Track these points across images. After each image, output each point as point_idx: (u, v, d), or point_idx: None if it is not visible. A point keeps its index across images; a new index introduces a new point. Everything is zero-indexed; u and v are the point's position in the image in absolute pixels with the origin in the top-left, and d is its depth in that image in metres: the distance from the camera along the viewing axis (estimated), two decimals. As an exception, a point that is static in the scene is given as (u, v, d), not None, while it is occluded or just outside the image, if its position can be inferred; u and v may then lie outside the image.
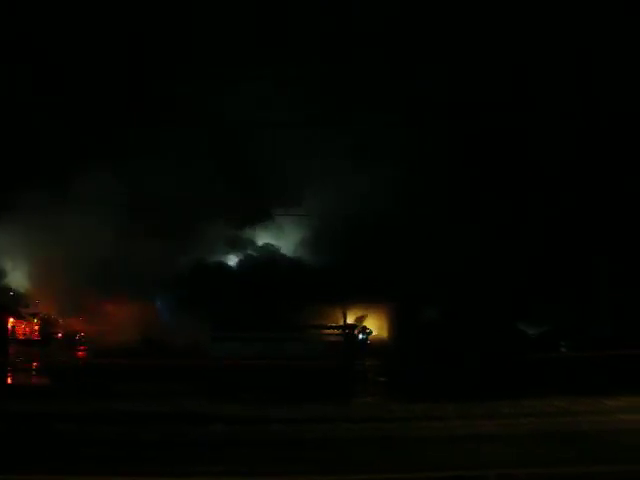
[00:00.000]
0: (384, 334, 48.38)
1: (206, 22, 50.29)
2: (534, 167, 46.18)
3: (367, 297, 47.20)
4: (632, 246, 43.16)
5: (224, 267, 48.84)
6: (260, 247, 53.18)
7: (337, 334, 47.00)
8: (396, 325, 47.36)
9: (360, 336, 47.59)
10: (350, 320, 48.53)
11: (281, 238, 53.43)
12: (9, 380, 31.64)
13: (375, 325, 49.05)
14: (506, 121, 45.38)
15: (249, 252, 52.30)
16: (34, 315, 48.03)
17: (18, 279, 48.87)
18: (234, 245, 51.81)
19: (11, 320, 46.60)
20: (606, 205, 44.31)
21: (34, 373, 35.29)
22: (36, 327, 48.79)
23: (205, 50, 49.11)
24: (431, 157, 46.07)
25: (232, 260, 50.66)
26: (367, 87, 48.86)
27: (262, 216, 52.46)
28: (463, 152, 46.21)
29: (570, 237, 44.93)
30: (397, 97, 47.72)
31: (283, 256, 52.65)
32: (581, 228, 44.81)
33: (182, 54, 49.02)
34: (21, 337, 47.16)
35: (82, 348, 45.16)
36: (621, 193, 44.19)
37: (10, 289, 46.69)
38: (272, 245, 53.64)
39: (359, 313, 49.01)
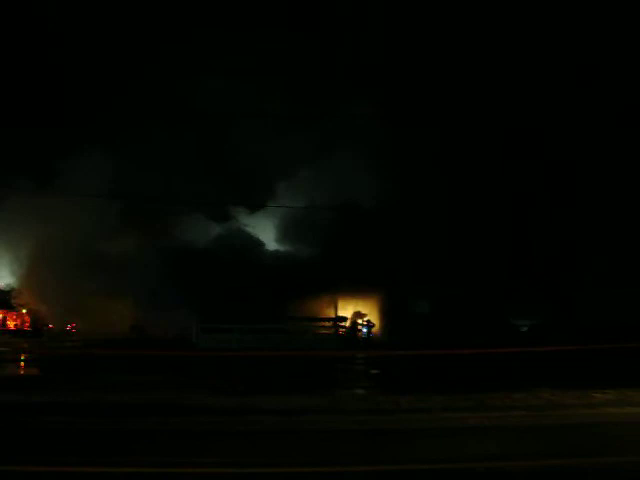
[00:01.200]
0: (376, 326, 48.47)
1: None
2: (529, 161, 46.33)
3: (358, 288, 47.28)
4: (618, 240, 43.39)
5: (211, 256, 48.78)
6: (246, 236, 53.26)
7: (328, 326, 47.22)
8: (387, 317, 47.43)
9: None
10: (346, 313, 48.67)
11: (267, 229, 53.47)
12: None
13: (367, 317, 49.13)
14: (507, 118, 45.57)
15: (235, 242, 52.35)
16: (23, 306, 48.05)
17: (5, 273, 48.85)
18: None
19: (1, 311, 46.58)
20: (594, 200, 44.50)
21: (24, 364, 35.10)
22: (27, 318, 48.78)
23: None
24: (421, 149, 46.19)
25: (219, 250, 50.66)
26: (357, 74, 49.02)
27: (248, 206, 52.53)
28: (460, 143, 46.35)
29: (558, 230, 45.09)
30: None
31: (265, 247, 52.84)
32: (568, 223, 44.97)
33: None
34: (12, 328, 47.18)
35: (72, 339, 45.15)
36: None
37: None
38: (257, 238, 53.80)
39: (350, 304, 49.07)
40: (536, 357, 27.06)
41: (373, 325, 47.92)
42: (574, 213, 45.19)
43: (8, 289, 48.58)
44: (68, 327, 48.35)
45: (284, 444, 14.31)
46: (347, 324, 48.26)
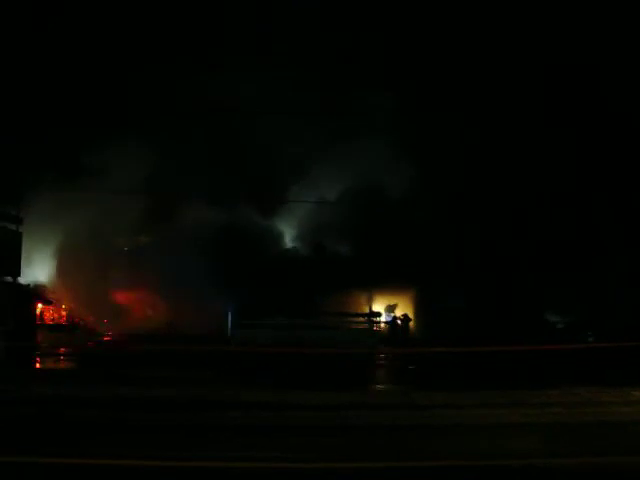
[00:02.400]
0: (412, 323, 48.32)
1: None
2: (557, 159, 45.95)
3: (393, 283, 47.14)
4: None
5: (248, 253, 48.84)
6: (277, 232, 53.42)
7: (362, 321, 47.17)
8: (422, 312, 47.24)
9: (399, 323, 47.66)
10: (380, 308, 48.61)
11: (298, 225, 53.46)
12: (37, 365, 31.89)
13: (402, 311, 49.01)
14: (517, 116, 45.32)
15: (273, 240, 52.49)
16: (60, 301, 48.57)
17: (41, 268, 49.40)
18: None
19: (39, 306, 47.08)
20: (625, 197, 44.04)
21: (62, 358, 35.58)
22: (63, 313, 49.30)
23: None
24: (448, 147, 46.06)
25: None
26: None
27: (279, 203, 52.60)
28: (481, 144, 46.11)
29: (593, 228, 44.64)
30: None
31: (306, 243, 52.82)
32: (603, 220, 44.49)
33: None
34: (49, 322, 47.67)
35: (108, 334, 45.58)
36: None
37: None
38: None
39: (386, 300, 48.98)
40: (572, 354, 26.80)
41: (410, 320, 47.76)
42: (611, 209, 44.66)
43: (45, 284, 49.11)
44: (104, 321, 48.77)
45: (313, 439, 14.29)
46: (382, 319, 48.20)
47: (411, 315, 48.29)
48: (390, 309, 48.79)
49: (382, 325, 48.00)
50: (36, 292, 46.40)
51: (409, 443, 14.02)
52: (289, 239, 54.10)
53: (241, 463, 12.01)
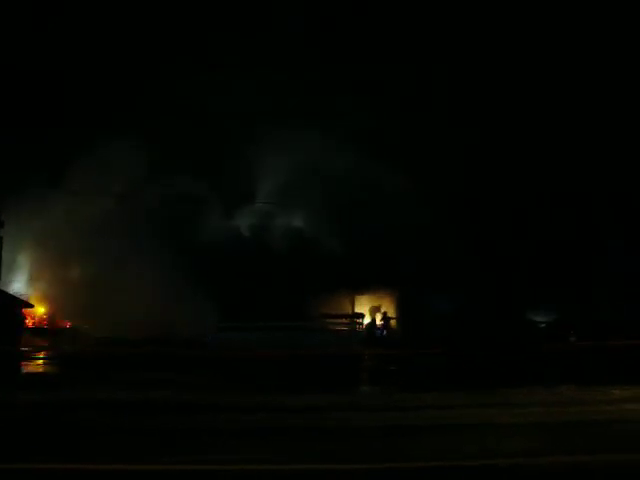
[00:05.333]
0: (394, 322, 48.39)
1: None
2: (541, 160, 46.27)
3: (376, 286, 47.22)
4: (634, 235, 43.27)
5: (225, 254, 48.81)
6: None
7: (345, 323, 47.17)
8: (405, 313, 47.33)
9: (377, 327, 47.65)
10: (364, 310, 48.60)
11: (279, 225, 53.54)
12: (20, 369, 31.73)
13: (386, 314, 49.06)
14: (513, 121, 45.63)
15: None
16: (41, 304, 48.29)
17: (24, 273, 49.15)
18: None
19: (22, 309, 46.70)
20: (610, 194, 44.37)
21: (44, 362, 35.40)
22: (44, 316, 48.99)
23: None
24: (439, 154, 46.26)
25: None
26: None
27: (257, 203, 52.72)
28: (472, 148, 46.37)
29: (575, 226, 44.98)
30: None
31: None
32: (586, 217, 44.85)
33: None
34: (30, 326, 47.30)
35: (89, 338, 45.33)
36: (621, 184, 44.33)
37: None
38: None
39: (368, 302, 49.00)
40: (555, 354, 27.06)
41: (390, 318, 47.77)
42: (593, 210, 45.06)
43: (26, 288, 48.83)
44: (85, 326, 48.52)
45: (302, 442, 14.35)
46: (364, 321, 48.24)
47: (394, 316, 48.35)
48: (375, 310, 48.80)
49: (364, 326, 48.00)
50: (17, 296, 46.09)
51: (398, 444, 14.14)
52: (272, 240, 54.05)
53: (230, 466, 12.07)
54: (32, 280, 49.47)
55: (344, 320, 47.53)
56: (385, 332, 47.25)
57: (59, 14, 49.29)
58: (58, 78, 49.15)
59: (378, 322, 47.91)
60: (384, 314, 48.16)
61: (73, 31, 49.13)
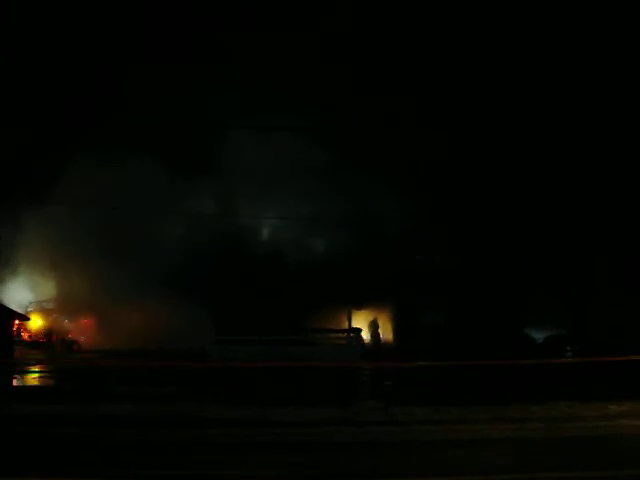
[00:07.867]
0: (389, 336, 48.34)
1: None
2: (534, 169, 46.22)
3: (372, 300, 47.18)
4: (632, 249, 43.13)
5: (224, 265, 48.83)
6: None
7: (342, 337, 47.05)
8: (400, 328, 47.28)
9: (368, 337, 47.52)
10: (361, 324, 48.50)
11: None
12: (14, 382, 31.52)
13: (380, 328, 49.02)
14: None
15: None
16: (38, 317, 48.18)
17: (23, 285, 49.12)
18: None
19: (16, 322, 46.59)
20: (605, 207, 44.28)
21: (39, 375, 35.21)
22: (41, 329, 48.88)
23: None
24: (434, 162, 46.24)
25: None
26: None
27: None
28: (465, 154, 46.35)
29: (571, 239, 44.88)
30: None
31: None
32: (581, 230, 44.76)
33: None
34: (27, 339, 47.17)
35: (86, 351, 45.21)
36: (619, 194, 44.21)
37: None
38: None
39: (364, 316, 48.95)
40: (552, 369, 26.90)
41: (378, 326, 47.69)
42: (590, 223, 44.96)
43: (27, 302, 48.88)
44: (82, 339, 48.45)
45: (297, 457, 14.23)
46: (364, 334, 48.13)
47: (389, 331, 48.30)
48: (374, 325, 48.72)
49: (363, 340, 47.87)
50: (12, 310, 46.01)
51: (388, 459, 14.04)
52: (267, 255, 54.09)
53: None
54: (30, 292, 49.52)
55: (341, 335, 47.45)
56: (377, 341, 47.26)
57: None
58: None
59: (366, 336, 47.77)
60: (373, 321, 48.15)
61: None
